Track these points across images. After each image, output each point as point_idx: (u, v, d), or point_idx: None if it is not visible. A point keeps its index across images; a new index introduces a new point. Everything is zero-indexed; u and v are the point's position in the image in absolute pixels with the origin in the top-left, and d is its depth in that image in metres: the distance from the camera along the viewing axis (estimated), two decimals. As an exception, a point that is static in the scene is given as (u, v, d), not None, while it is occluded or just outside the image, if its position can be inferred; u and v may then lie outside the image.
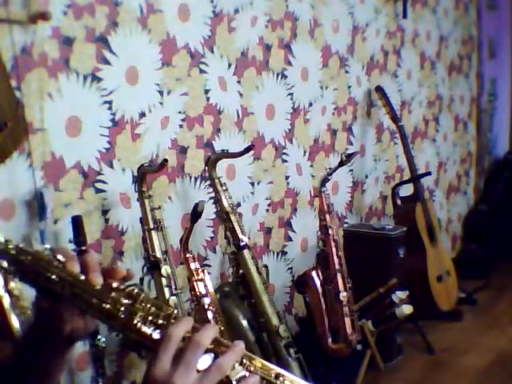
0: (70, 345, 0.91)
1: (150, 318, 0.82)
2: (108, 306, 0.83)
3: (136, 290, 0.85)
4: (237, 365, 0.82)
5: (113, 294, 0.84)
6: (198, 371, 0.79)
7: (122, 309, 0.82)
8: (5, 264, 0.85)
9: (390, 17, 3.86)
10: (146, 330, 0.82)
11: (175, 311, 0.84)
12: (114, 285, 0.85)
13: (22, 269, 0.85)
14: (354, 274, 2.81)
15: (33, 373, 0.90)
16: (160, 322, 0.82)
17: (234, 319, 2.42)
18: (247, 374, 0.82)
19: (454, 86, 4.67)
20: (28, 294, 2.00)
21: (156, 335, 0.81)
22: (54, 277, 0.84)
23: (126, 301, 0.83)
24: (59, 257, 0.86)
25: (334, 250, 2.77)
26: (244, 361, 0.83)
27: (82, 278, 0.85)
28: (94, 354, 2.12)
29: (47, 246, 0.88)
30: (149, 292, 2.24)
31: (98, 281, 0.85)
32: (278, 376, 0.84)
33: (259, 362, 0.84)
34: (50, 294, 0.85)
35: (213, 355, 0.81)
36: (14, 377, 0.89)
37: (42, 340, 0.89)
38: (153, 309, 0.83)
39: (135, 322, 0.82)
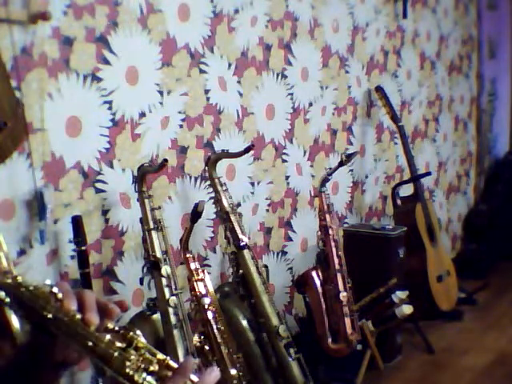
0: (62, 370, 0.91)
1: (143, 365, 0.82)
2: (102, 349, 0.82)
3: (131, 333, 0.84)
4: None
5: (108, 337, 0.83)
6: None
7: (116, 354, 0.82)
8: (2, 294, 0.84)
9: (389, 17, 3.86)
10: (138, 378, 0.81)
11: (168, 358, 0.84)
12: (110, 326, 0.85)
13: (18, 303, 0.84)
14: (354, 274, 2.82)
15: None
16: (152, 368, 0.82)
17: (234, 319, 2.42)
18: None
19: (454, 86, 4.67)
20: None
21: None
22: (50, 316, 0.83)
23: (120, 344, 0.83)
24: (55, 289, 0.85)
25: (334, 249, 2.77)
26: None
27: (79, 317, 0.84)
28: (94, 354, 2.12)
29: (48, 281, 0.87)
30: (149, 292, 2.25)
31: (93, 321, 0.84)
32: None
33: None
34: (44, 332, 0.85)
35: None
36: None
37: (33, 362, 0.89)
38: (146, 354, 0.83)
39: (127, 369, 0.81)
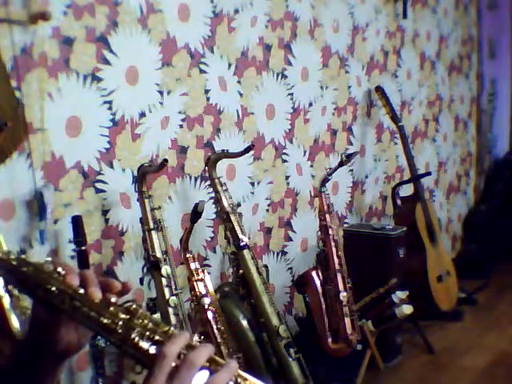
0: (61, 360, 0.92)
1: (148, 333, 0.83)
2: (106, 320, 0.83)
3: (134, 306, 0.86)
4: (231, 383, 0.83)
5: (111, 309, 0.85)
6: None
7: (120, 323, 0.83)
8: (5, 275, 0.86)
9: (389, 17, 3.86)
10: (143, 345, 0.82)
11: (172, 328, 0.85)
12: (113, 300, 0.86)
13: (22, 279, 0.86)
14: (353, 274, 2.81)
15: None
16: (157, 337, 0.83)
17: (234, 319, 2.42)
18: None
19: (453, 86, 4.67)
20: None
21: (152, 350, 0.82)
22: (53, 289, 0.84)
23: (124, 316, 0.84)
24: (59, 269, 0.87)
25: (333, 249, 2.77)
26: (238, 380, 0.84)
27: (81, 291, 0.86)
28: (93, 353, 2.12)
29: (49, 258, 0.89)
30: (149, 292, 2.25)
31: (96, 295, 0.86)
32: None
33: (252, 381, 0.85)
34: (48, 306, 0.86)
35: (208, 373, 0.82)
36: None
37: (34, 353, 0.90)
38: (150, 325, 0.84)
39: (133, 336, 0.82)
